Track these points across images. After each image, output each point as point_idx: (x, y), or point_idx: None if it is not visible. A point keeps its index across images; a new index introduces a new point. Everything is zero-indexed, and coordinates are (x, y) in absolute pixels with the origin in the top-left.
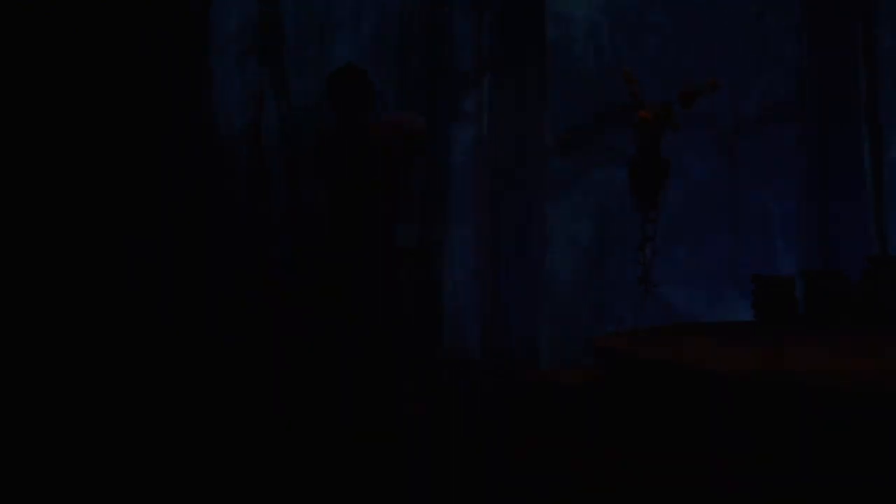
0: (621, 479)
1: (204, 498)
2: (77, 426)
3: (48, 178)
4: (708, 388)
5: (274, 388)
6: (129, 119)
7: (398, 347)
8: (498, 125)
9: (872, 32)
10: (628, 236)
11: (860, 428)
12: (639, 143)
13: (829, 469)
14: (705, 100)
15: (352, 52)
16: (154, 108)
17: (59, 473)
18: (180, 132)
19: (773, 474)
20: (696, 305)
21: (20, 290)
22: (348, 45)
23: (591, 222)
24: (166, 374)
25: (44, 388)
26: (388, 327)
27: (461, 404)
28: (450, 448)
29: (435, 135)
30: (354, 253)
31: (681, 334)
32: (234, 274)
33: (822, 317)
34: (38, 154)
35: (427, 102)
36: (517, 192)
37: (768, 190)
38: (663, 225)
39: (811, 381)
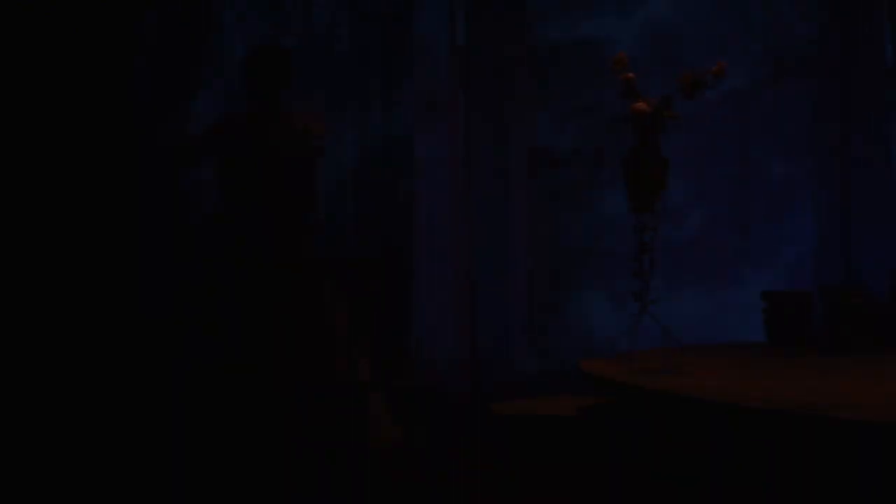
0: None
1: None
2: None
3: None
4: (749, 423)
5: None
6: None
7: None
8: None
9: None
10: (620, 245)
11: None
12: (635, 139)
13: None
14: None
15: None
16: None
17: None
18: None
19: None
20: (697, 322)
21: None
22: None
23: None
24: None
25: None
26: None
27: (428, 441)
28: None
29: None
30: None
31: (688, 357)
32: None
33: (843, 339)
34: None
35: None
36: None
37: (782, 179)
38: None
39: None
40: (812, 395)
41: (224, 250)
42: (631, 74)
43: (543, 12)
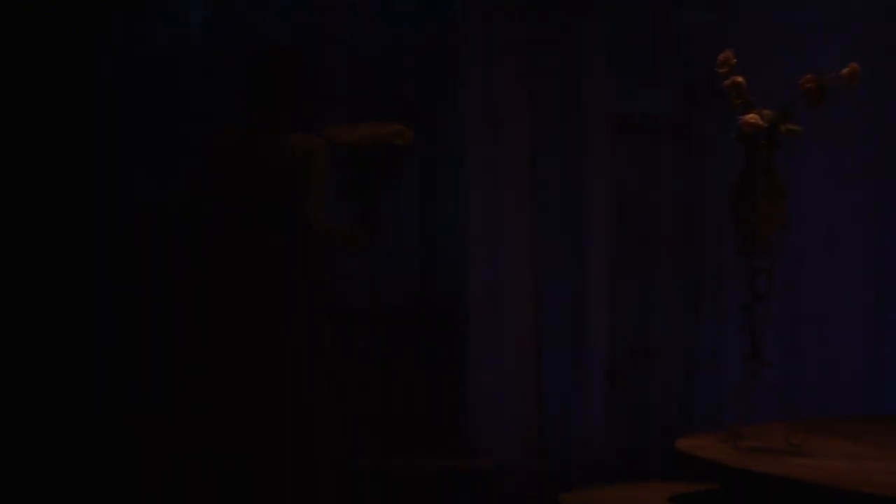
0: None
1: None
2: None
3: None
4: None
5: None
6: None
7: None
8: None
9: None
10: (727, 292)
11: None
12: (744, 161)
13: None
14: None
15: None
16: None
17: None
18: None
19: None
20: (823, 388)
21: None
22: None
23: None
24: None
25: None
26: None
27: None
28: None
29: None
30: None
31: (815, 433)
32: None
33: None
34: None
35: None
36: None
37: None
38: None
39: None
40: None
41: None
42: (740, 78)
43: None
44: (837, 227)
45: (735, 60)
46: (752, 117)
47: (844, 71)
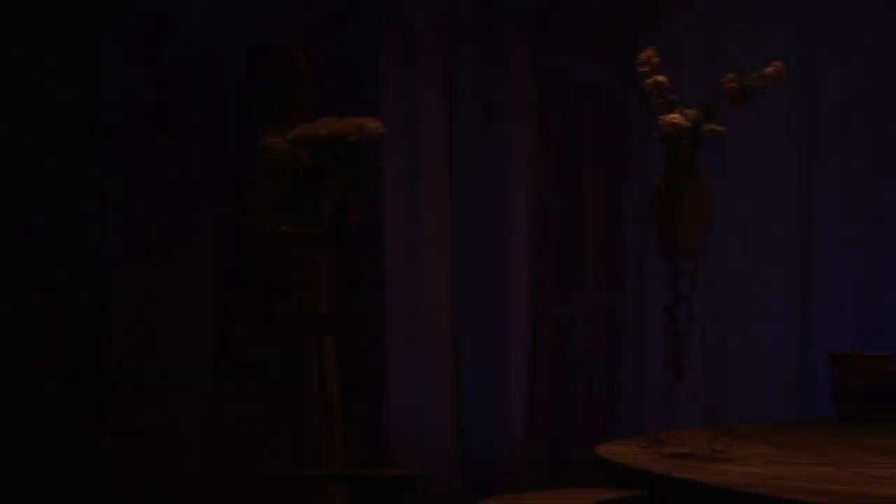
0: None
1: None
2: None
3: None
4: None
5: None
6: None
7: None
8: None
9: None
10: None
11: None
12: (666, 161)
13: None
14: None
15: None
16: None
17: None
18: None
19: None
20: (747, 393)
21: None
22: None
23: None
24: None
25: None
26: None
27: None
28: None
29: None
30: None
31: (737, 438)
32: None
33: None
34: None
35: None
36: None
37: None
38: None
39: None
40: None
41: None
42: (662, 78)
43: None
44: (764, 229)
45: (657, 59)
46: (674, 117)
47: (768, 70)
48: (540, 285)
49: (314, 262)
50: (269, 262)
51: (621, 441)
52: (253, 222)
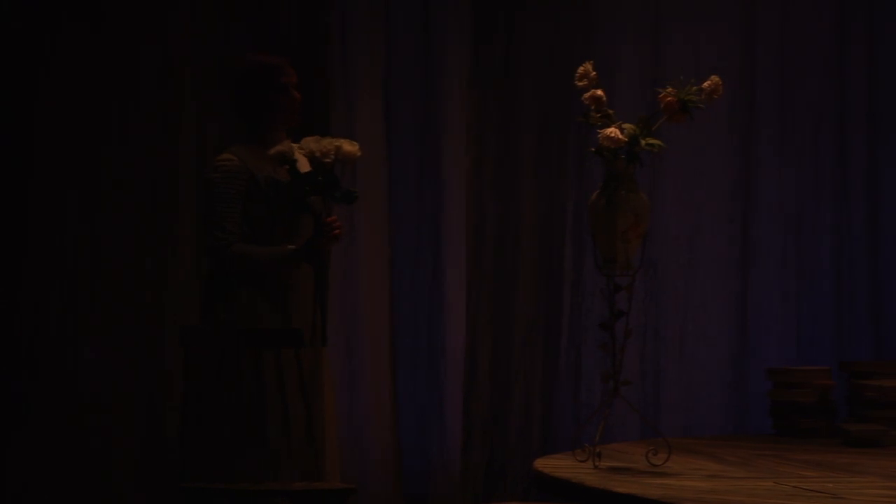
0: None
1: None
2: None
3: None
4: None
5: None
6: None
7: None
8: None
9: None
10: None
11: None
12: (604, 175)
13: None
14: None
15: None
16: None
17: None
18: None
19: None
20: (685, 407)
21: None
22: None
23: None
24: None
25: None
26: None
27: None
28: None
29: None
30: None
31: (674, 453)
32: None
33: (868, 434)
34: None
35: None
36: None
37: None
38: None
39: None
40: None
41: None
42: (600, 92)
43: None
44: (702, 244)
45: (595, 73)
46: (611, 132)
47: (705, 84)
48: (477, 299)
49: (291, 279)
50: (242, 278)
51: (559, 455)
52: (221, 241)
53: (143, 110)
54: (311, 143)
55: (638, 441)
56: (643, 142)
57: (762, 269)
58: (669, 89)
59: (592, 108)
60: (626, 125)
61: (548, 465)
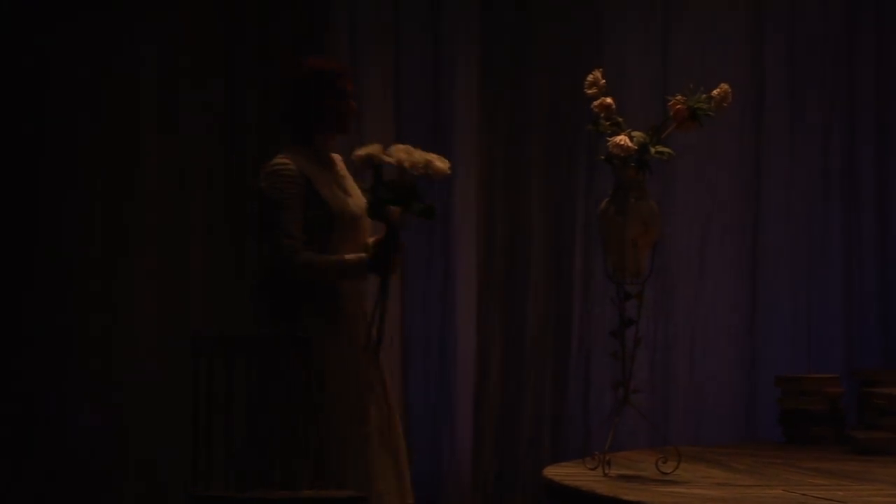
0: None
1: None
2: None
3: None
4: None
5: None
6: None
7: None
8: None
9: None
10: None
11: None
12: (614, 183)
13: None
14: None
15: None
16: None
17: None
18: None
19: None
20: (695, 415)
21: None
22: None
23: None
24: None
25: None
26: None
27: None
28: None
29: None
30: None
31: (685, 461)
32: None
33: (878, 441)
34: None
35: None
36: None
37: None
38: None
39: None
40: None
41: None
42: (609, 100)
43: None
44: (712, 251)
45: (604, 81)
46: (621, 139)
47: (715, 92)
48: (487, 306)
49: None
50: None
51: (569, 462)
52: (287, 248)
53: None
54: (401, 152)
55: (648, 449)
56: (653, 150)
57: (772, 277)
58: (679, 97)
59: (602, 115)
60: (635, 133)
61: (558, 472)
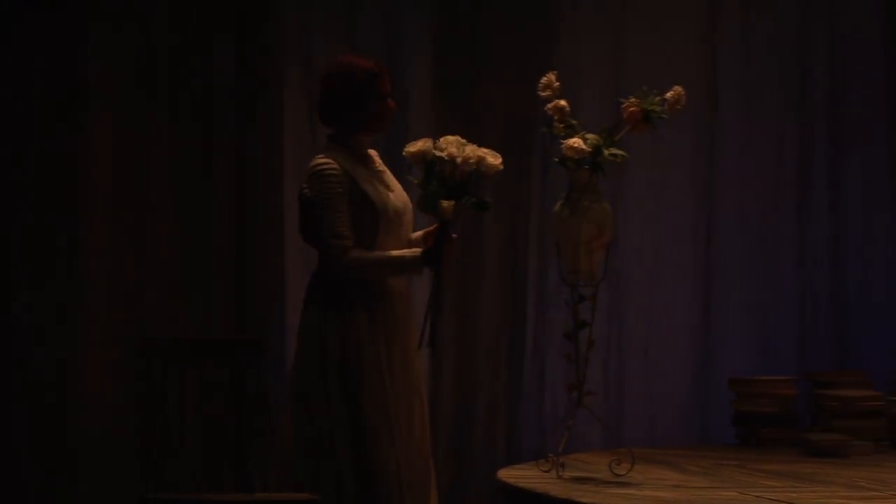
0: None
1: None
2: None
3: None
4: None
5: None
6: None
7: None
8: None
9: None
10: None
11: None
12: (568, 185)
13: None
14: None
15: None
16: None
17: None
18: None
19: None
20: (649, 417)
21: None
22: None
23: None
24: None
25: None
26: None
27: None
28: None
29: None
30: None
31: (638, 463)
32: None
33: (831, 444)
34: None
35: None
36: None
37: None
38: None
39: None
40: None
41: None
42: (563, 102)
43: None
44: (666, 254)
45: (558, 84)
46: (575, 142)
47: (668, 94)
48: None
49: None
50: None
51: (523, 465)
52: (338, 247)
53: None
54: (452, 146)
55: (602, 451)
56: (606, 152)
57: (726, 279)
58: (632, 99)
59: (556, 118)
60: (589, 135)
61: (512, 475)
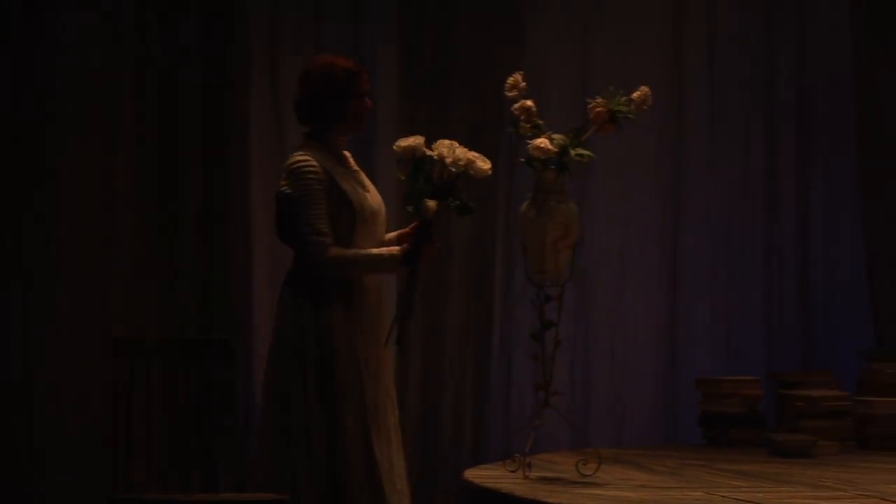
0: None
1: None
2: None
3: None
4: None
5: None
6: None
7: None
8: None
9: None
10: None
11: None
12: (534, 185)
13: None
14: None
15: None
16: None
17: None
18: None
19: None
20: (615, 417)
21: None
22: None
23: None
24: None
25: None
26: None
27: None
28: None
29: None
30: None
31: (605, 463)
32: None
33: (797, 444)
34: None
35: None
36: None
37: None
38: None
39: None
40: None
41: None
42: (530, 103)
43: None
44: (633, 254)
45: (525, 84)
46: (541, 142)
47: (635, 94)
48: None
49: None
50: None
51: (489, 465)
52: (318, 244)
53: None
54: (444, 147)
55: (568, 451)
56: (573, 152)
57: (692, 279)
58: (599, 100)
59: (522, 118)
60: (556, 136)
61: (478, 475)
